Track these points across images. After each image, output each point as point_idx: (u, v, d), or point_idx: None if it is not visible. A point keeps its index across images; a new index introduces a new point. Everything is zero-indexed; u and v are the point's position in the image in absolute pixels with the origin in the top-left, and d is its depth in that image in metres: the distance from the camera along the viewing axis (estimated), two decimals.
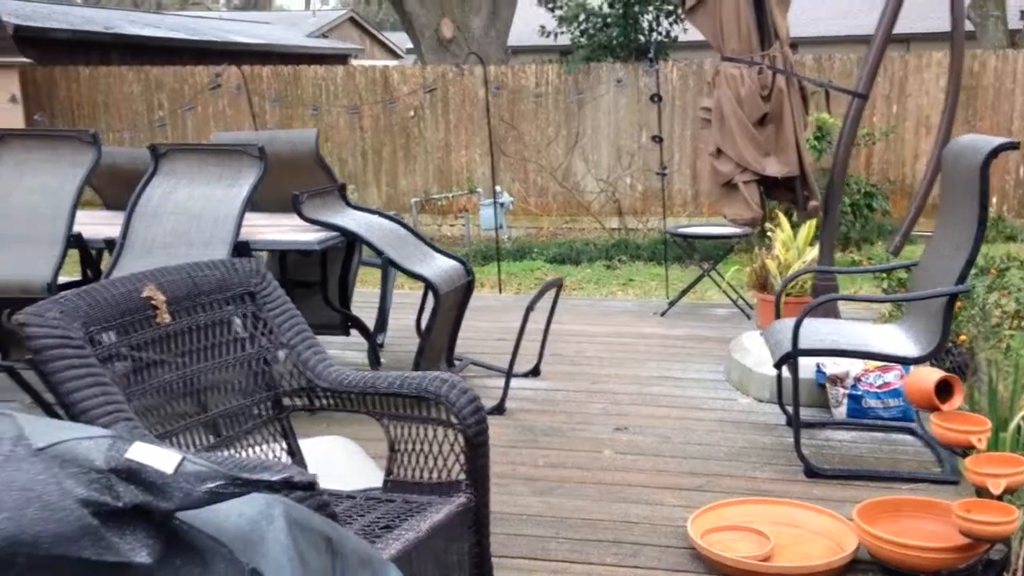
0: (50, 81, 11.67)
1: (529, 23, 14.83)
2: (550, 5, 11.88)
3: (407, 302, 6.16)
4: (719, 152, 4.55)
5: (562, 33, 11.59)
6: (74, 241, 4.50)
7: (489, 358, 5.07)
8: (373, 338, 5.00)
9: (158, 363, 2.49)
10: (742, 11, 4.31)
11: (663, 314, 6.07)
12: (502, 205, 10.26)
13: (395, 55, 26.73)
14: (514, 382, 4.57)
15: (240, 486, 1.25)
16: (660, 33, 11.07)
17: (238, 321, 2.72)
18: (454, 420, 2.48)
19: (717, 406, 4.34)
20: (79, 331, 2.27)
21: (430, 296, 4.49)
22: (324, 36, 24.18)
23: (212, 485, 1.22)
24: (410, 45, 23.30)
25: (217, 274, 2.71)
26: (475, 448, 2.49)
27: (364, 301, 5.87)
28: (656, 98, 6.77)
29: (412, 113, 10.77)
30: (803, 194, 4.54)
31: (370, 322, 5.19)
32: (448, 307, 4.63)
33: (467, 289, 4.81)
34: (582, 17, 11.06)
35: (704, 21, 4.40)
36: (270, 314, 2.80)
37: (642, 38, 10.89)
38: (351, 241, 4.87)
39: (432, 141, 11.33)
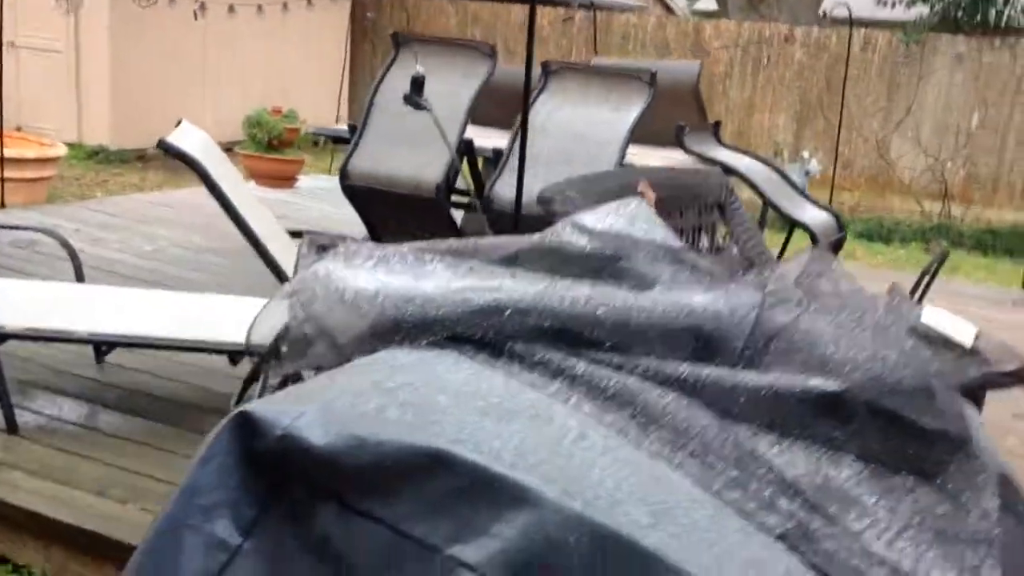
0: (377, 6, 12.32)
1: None
2: None
3: None
4: None
5: (895, 5, 10.81)
6: (464, 148, 4.63)
7: None
8: None
9: None
10: None
11: None
12: (808, 173, 9.80)
13: (673, 14, 26.25)
14: None
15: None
16: (1017, 8, 10.06)
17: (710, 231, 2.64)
18: None
19: None
20: None
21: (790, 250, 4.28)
22: None
23: (987, 373, 1.10)
24: (696, 7, 22.68)
25: (694, 181, 2.65)
26: None
27: None
28: None
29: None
30: None
31: None
32: None
33: (837, 245, 4.55)
34: None
35: None
36: (736, 229, 2.70)
37: (994, 12, 9.94)
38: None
39: (736, 100, 10.95)
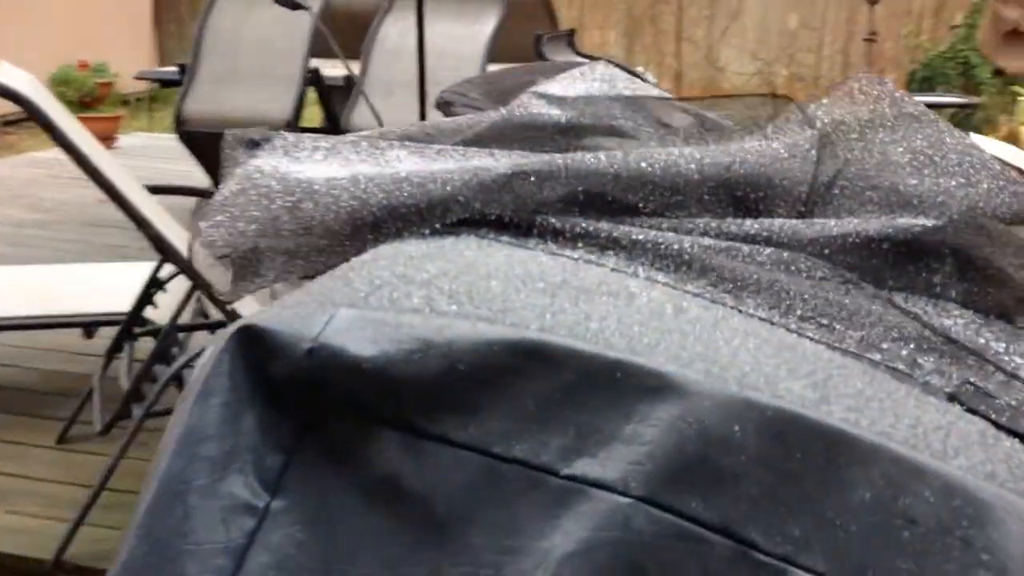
0: None
1: None
2: None
3: None
4: None
5: None
6: (312, 79, 4.28)
7: None
8: None
9: None
10: None
11: None
12: None
13: None
14: None
15: None
16: None
17: None
18: None
19: None
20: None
21: None
22: None
23: None
24: None
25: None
26: None
27: None
28: None
29: None
30: None
31: None
32: None
33: None
34: None
35: None
36: None
37: None
38: None
39: (565, 20, 10.86)
